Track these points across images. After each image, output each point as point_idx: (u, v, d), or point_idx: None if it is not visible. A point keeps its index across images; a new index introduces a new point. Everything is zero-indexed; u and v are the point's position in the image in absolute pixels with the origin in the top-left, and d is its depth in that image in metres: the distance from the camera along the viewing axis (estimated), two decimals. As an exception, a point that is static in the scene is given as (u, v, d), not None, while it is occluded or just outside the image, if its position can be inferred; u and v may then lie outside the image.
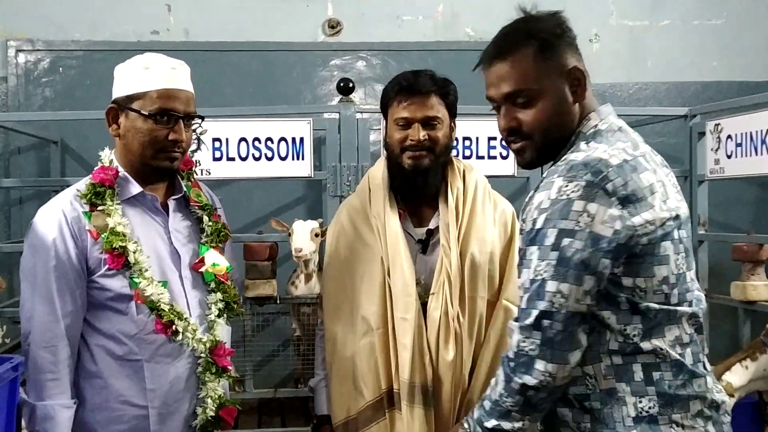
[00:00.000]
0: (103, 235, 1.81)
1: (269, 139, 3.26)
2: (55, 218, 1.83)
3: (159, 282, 1.85)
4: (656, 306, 1.50)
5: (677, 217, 1.52)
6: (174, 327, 1.84)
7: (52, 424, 1.78)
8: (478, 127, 3.40)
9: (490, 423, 1.58)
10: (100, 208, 1.84)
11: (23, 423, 1.84)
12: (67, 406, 1.82)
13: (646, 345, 1.50)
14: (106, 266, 1.82)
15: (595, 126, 1.60)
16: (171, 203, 1.96)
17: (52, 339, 1.80)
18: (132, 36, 4.32)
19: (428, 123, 2.11)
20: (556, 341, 1.48)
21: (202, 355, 1.90)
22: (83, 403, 1.86)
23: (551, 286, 1.47)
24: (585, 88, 1.62)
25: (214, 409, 1.91)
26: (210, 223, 2.00)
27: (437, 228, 2.17)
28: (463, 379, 2.07)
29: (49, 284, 1.80)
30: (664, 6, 4.66)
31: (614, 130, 1.59)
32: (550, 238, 1.47)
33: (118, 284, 1.83)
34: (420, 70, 2.16)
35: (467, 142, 3.44)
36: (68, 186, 1.96)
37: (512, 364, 1.53)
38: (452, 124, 2.19)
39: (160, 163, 1.88)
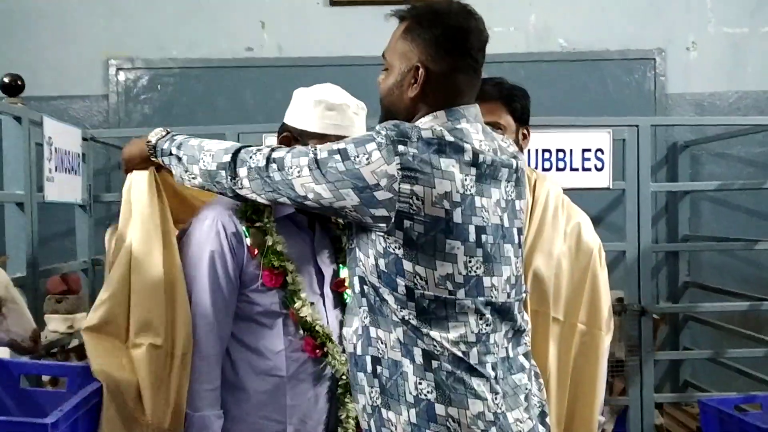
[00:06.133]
0: (261, 253, 1.84)
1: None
2: (214, 232, 1.85)
3: (310, 303, 1.87)
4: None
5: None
6: (324, 348, 1.85)
7: None
8: (571, 139, 3.37)
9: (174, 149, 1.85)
10: (257, 224, 1.86)
11: None
12: (220, 417, 1.84)
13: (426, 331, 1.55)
14: (260, 282, 1.84)
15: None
16: (317, 222, 1.97)
17: (208, 350, 1.83)
18: (227, 53, 4.41)
19: None
20: None
21: (344, 377, 1.90)
22: (225, 414, 1.87)
23: None
24: (421, 89, 1.64)
25: (353, 428, 1.92)
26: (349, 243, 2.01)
27: None
28: None
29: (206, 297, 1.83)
30: (763, 12, 4.53)
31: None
32: None
33: (268, 300, 1.85)
34: (487, 78, 2.10)
35: (561, 154, 3.41)
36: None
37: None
38: (524, 131, 2.13)
39: None
